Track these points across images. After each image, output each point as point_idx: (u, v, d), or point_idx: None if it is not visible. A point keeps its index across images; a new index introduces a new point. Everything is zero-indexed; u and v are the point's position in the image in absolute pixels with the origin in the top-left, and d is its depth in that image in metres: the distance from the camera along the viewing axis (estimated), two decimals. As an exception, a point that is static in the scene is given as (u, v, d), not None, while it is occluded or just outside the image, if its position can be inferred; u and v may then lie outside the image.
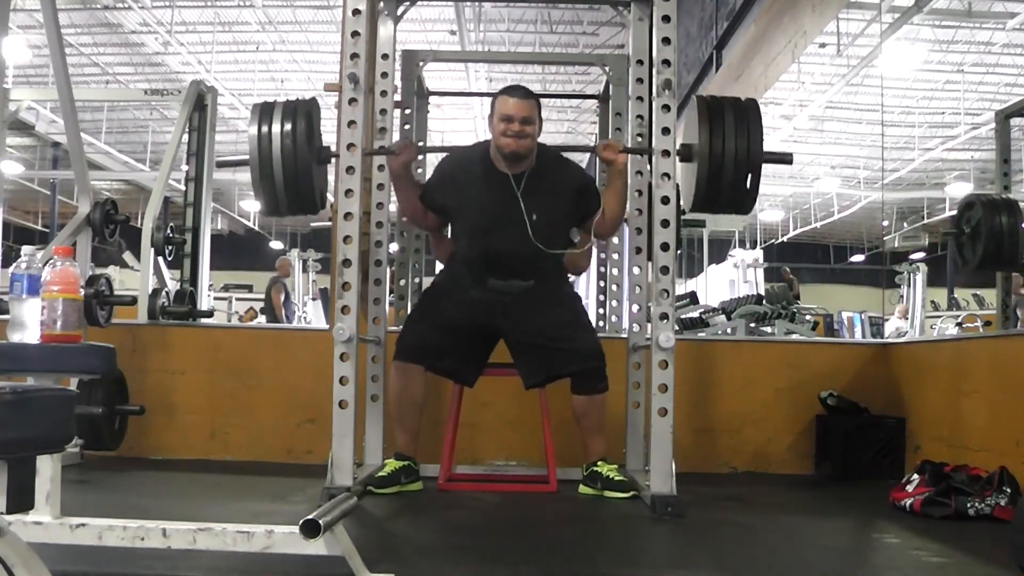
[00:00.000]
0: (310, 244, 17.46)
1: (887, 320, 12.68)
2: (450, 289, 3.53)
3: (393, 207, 4.10)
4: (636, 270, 3.76)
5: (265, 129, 3.16)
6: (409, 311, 4.16)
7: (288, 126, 3.16)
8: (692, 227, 4.20)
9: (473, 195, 3.43)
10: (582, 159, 7.88)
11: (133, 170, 17.21)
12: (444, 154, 3.84)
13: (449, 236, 3.69)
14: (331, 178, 3.33)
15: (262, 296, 15.86)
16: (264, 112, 3.20)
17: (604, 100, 4.66)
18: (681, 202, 3.51)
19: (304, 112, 3.20)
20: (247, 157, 3.21)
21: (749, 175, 3.19)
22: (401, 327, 3.66)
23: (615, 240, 4.52)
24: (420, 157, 4.13)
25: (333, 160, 3.20)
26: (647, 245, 3.55)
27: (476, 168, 3.46)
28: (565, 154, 3.68)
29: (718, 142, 3.16)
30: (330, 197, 3.41)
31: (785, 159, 3.46)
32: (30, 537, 1.82)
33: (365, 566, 1.95)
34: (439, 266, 3.99)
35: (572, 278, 4.56)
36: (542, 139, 3.48)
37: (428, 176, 3.69)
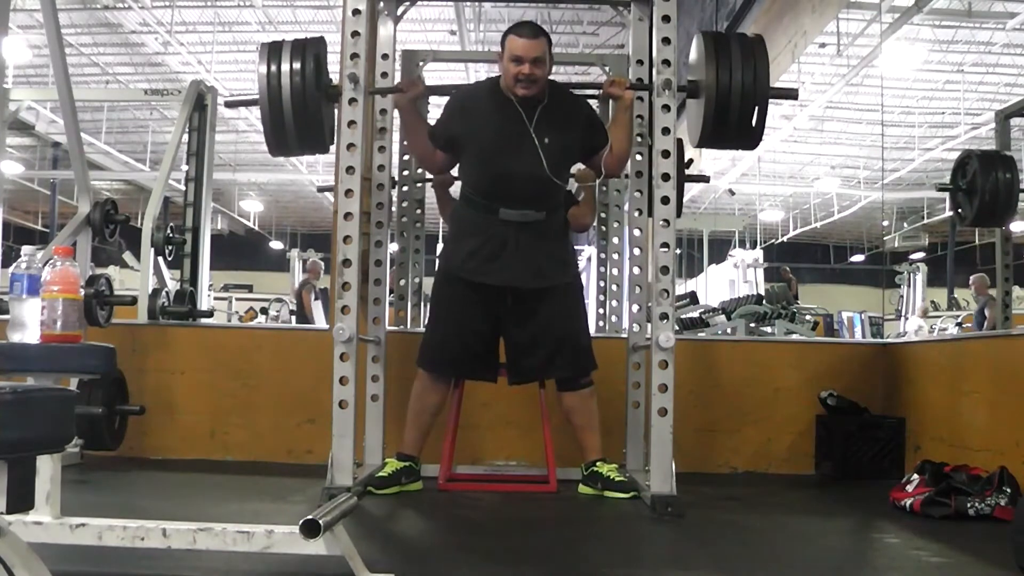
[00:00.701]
0: (310, 244, 17.49)
1: (908, 319, 12.68)
2: (458, 262, 3.41)
3: (393, 207, 4.10)
4: (636, 270, 3.77)
5: (274, 67, 3.16)
6: (409, 310, 4.16)
7: (297, 64, 3.16)
8: (695, 181, 4.21)
9: (484, 122, 3.38)
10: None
11: (133, 170, 17.21)
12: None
13: (456, 176, 3.63)
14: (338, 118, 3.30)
15: (262, 296, 15.89)
16: (273, 51, 3.20)
17: (604, 100, 4.65)
18: (686, 145, 3.49)
19: (312, 50, 3.20)
20: (256, 96, 3.21)
21: (756, 109, 3.18)
22: (406, 329, 3.64)
23: (615, 240, 4.53)
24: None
25: (338, 101, 3.18)
26: (647, 207, 3.54)
27: (486, 97, 3.42)
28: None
29: (725, 76, 3.15)
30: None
31: (791, 94, 3.52)
32: (30, 537, 1.83)
33: (365, 566, 1.95)
34: (439, 265, 3.97)
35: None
36: None
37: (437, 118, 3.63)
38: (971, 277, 11.44)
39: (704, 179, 5.18)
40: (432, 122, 3.55)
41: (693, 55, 3.36)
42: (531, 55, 3.26)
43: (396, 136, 3.96)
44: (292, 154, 3.33)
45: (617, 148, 3.44)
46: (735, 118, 3.18)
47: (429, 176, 4.06)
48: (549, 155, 3.31)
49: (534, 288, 3.36)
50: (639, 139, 3.63)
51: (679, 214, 3.38)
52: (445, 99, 3.59)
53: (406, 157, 4.37)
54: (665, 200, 3.12)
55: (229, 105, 3.72)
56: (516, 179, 3.33)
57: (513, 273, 3.34)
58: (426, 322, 3.74)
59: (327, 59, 3.27)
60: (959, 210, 4.58)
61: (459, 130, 3.41)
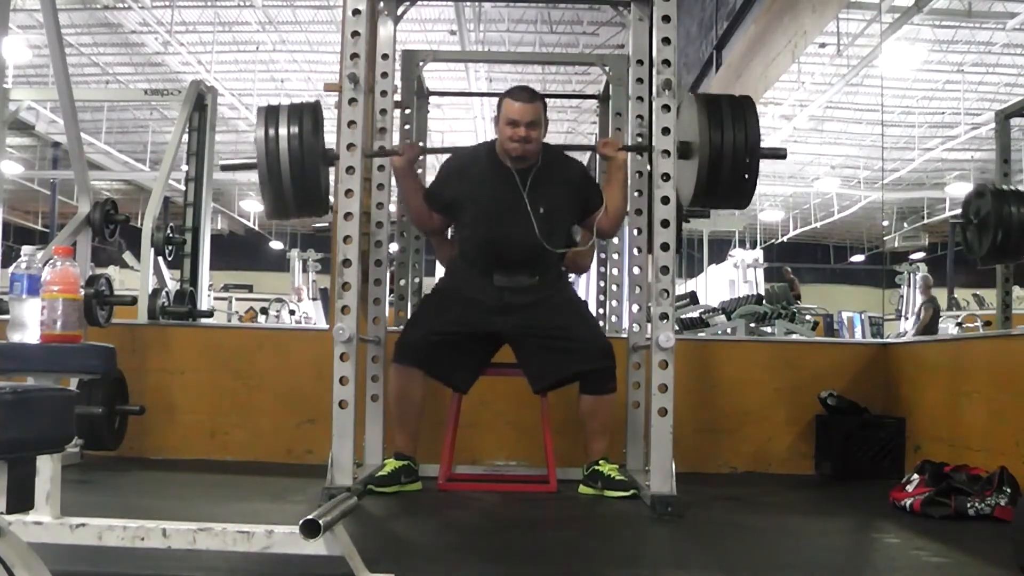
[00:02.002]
0: (310, 244, 17.49)
1: (908, 319, 12.66)
2: (453, 289, 3.52)
3: (393, 207, 4.10)
4: (636, 270, 3.77)
5: (272, 132, 3.19)
6: (410, 312, 4.16)
7: (294, 128, 3.19)
8: (696, 216, 4.20)
9: (479, 187, 3.44)
10: (582, 159, 7.87)
11: (133, 170, 17.21)
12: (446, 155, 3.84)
13: (451, 237, 3.68)
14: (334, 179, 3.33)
15: (262, 296, 15.89)
16: (270, 115, 3.23)
17: (604, 100, 4.66)
18: (680, 200, 3.50)
19: (309, 114, 3.23)
20: (253, 160, 3.24)
21: (747, 169, 3.21)
22: (402, 328, 3.66)
23: (615, 240, 4.52)
24: (421, 158, 4.12)
25: (335, 166, 3.21)
26: (647, 246, 3.55)
27: (482, 163, 3.48)
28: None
29: (716, 136, 3.19)
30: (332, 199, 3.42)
31: (779, 154, 3.56)
32: (30, 537, 1.83)
33: (365, 566, 1.95)
34: (439, 266, 3.98)
35: (572, 278, 4.56)
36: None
37: (430, 181, 3.68)
38: (917, 277, 11.47)
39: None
40: (428, 179, 3.61)
41: (685, 116, 3.39)
42: (526, 119, 3.34)
43: (396, 136, 3.96)
44: (290, 218, 3.37)
45: (612, 208, 3.50)
46: (727, 178, 3.23)
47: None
48: (543, 223, 3.37)
49: (533, 300, 3.39)
50: (637, 194, 3.65)
51: (678, 249, 3.42)
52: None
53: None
54: (665, 200, 3.12)
55: (226, 169, 3.74)
56: (509, 246, 3.40)
57: (507, 299, 3.41)
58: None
59: (323, 122, 3.29)
60: (968, 245, 4.39)
61: (455, 195, 3.48)
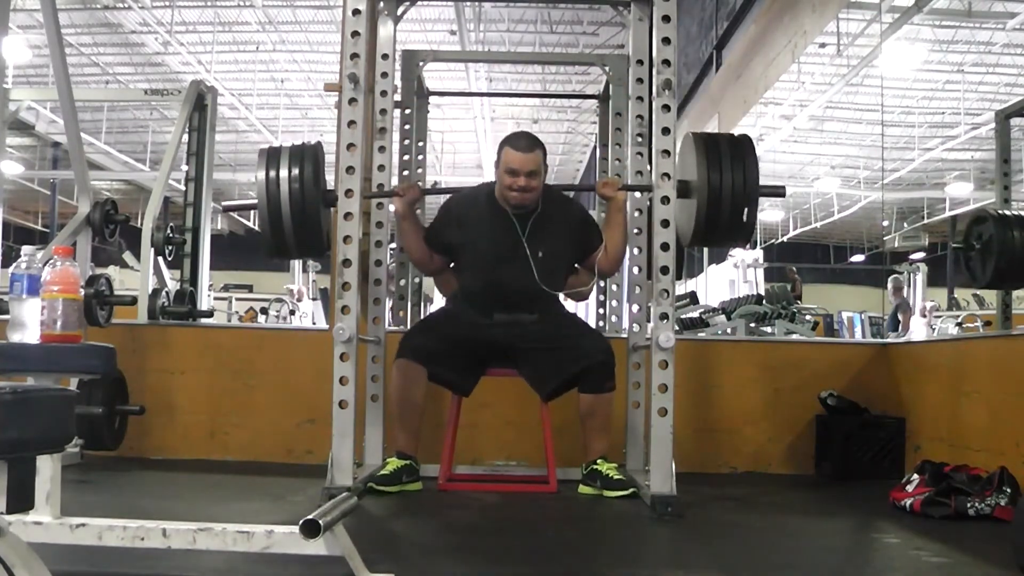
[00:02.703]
0: (310, 244, 17.45)
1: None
2: (456, 313, 3.58)
3: (392, 207, 4.09)
4: (636, 270, 3.76)
5: (273, 174, 3.22)
6: (410, 313, 4.17)
7: (296, 170, 3.22)
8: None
9: (479, 233, 3.49)
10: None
11: (133, 170, 17.22)
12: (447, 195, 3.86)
13: (453, 272, 3.70)
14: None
15: (262, 296, 15.88)
16: (271, 157, 3.26)
17: (604, 100, 4.66)
18: (680, 239, 3.50)
19: (310, 156, 3.26)
20: (254, 200, 3.28)
21: (746, 208, 3.25)
22: (406, 329, 3.67)
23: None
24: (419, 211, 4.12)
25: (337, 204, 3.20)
26: (647, 266, 3.56)
27: (482, 207, 3.53)
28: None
29: (715, 177, 3.22)
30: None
31: (778, 192, 3.63)
32: (30, 537, 1.83)
33: (365, 566, 1.95)
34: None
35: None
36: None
37: (430, 220, 3.71)
38: (891, 278, 11.46)
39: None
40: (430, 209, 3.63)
41: (683, 156, 3.41)
42: (526, 168, 3.37)
43: (396, 136, 3.96)
44: (290, 258, 3.41)
45: (612, 248, 3.52)
46: (726, 217, 3.25)
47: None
48: (541, 267, 3.42)
49: (531, 321, 3.43)
50: (636, 231, 3.65)
51: (679, 277, 3.43)
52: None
53: (406, 157, 4.37)
54: (665, 200, 3.13)
55: (227, 210, 3.77)
56: (510, 288, 3.45)
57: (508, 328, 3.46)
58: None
59: (324, 163, 3.31)
60: (971, 271, 4.35)
61: (454, 239, 3.53)
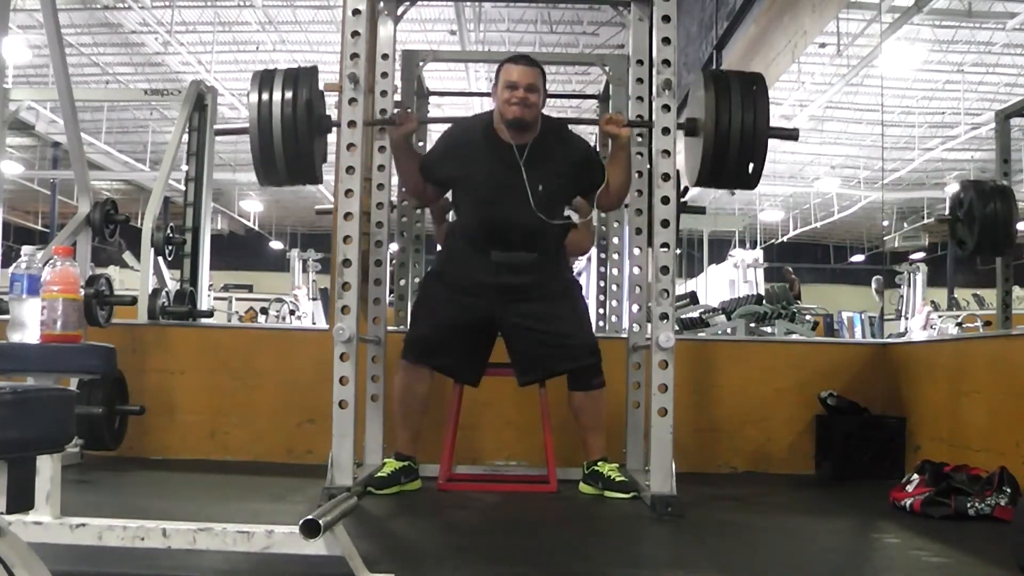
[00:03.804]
0: (310, 244, 17.49)
1: (909, 319, 12.68)
2: (449, 273, 3.48)
3: (394, 197, 4.10)
4: (636, 270, 3.76)
5: (265, 97, 3.13)
6: (411, 306, 4.16)
7: (288, 94, 3.13)
8: (692, 213, 4.22)
9: (475, 166, 3.39)
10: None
11: (133, 170, 17.22)
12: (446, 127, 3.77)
13: (450, 214, 3.67)
14: (331, 148, 3.31)
15: (262, 296, 15.87)
16: (264, 80, 3.17)
17: (604, 100, 4.66)
18: (684, 179, 3.47)
19: (305, 80, 3.17)
20: (246, 125, 3.18)
21: (755, 150, 3.16)
22: (407, 326, 3.65)
23: (615, 240, 4.53)
24: (421, 144, 4.11)
25: (333, 131, 3.17)
26: (647, 228, 3.52)
27: (479, 138, 3.42)
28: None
29: (724, 116, 3.12)
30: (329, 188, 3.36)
31: (792, 135, 3.46)
32: (30, 537, 1.83)
33: (365, 566, 1.95)
34: (427, 272, 3.98)
35: (573, 265, 4.56)
36: None
37: (428, 150, 3.66)
38: (873, 279, 11.49)
39: (700, 211, 5.19)
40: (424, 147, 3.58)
41: (692, 93, 3.34)
42: (525, 81, 3.29)
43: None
44: (281, 184, 3.29)
45: (614, 185, 3.44)
46: (734, 158, 3.16)
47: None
48: (540, 200, 3.32)
49: (530, 283, 3.37)
50: (638, 175, 3.63)
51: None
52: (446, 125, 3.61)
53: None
54: (665, 200, 3.12)
55: (219, 134, 3.70)
56: (508, 223, 3.35)
57: (501, 298, 3.37)
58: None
59: (319, 89, 3.24)
60: (960, 241, 4.53)
61: (451, 172, 3.44)
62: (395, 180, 3.90)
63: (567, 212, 3.64)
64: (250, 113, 3.16)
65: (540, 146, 3.37)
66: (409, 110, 3.85)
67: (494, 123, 3.39)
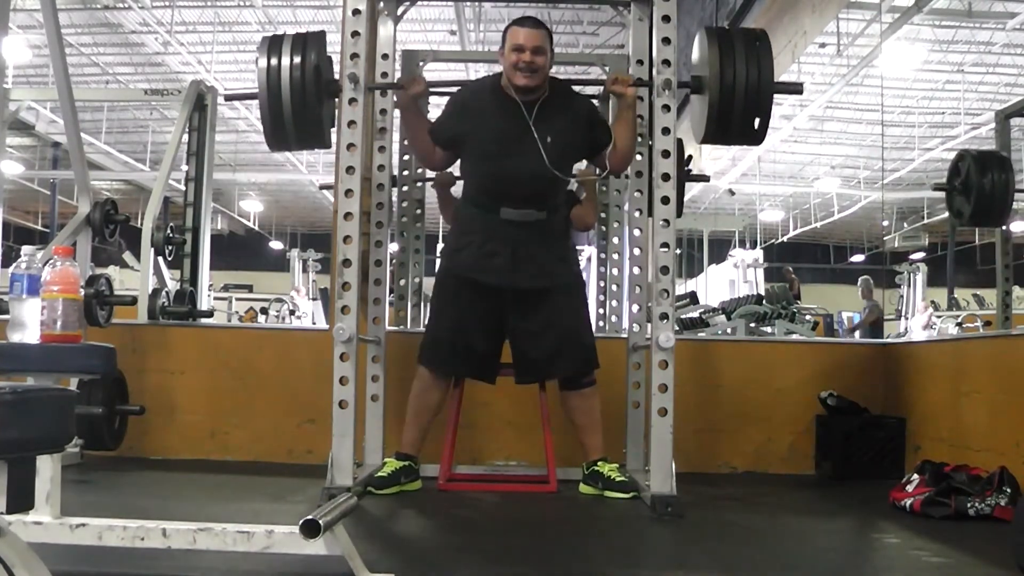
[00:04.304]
0: (310, 244, 17.50)
1: (910, 319, 12.69)
2: (461, 259, 3.42)
3: (393, 207, 4.10)
4: (636, 270, 3.76)
5: (274, 61, 3.15)
6: (411, 309, 4.16)
7: (297, 59, 3.14)
8: (695, 181, 4.28)
9: (485, 121, 3.38)
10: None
11: (133, 170, 17.22)
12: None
13: (456, 176, 3.65)
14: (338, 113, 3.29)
15: (262, 296, 15.89)
16: (273, 44, 3.18)
17: (604, 100, 4.65)
18: (688, 140, 3.49)
19: (313, 45, 3.18)
20: (255, 90, 3.20)
21: (760, 104, 3.18)
22: (406, 329, 3.65)
23: (615, 240, 4.53)
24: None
25: (339, 98, 3.18)
26: (647, 205, 3.52)
27: (487, 96, 3.42)
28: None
29: (729, 71, 3.14)
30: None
31: (796, 89, 3.52)
32: (30, 537, 1.83)
33: (365, 566, 1.95)
34: (439, 262, 3.97)
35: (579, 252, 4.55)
36: None
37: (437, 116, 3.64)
38: (859, 279, 11.50)
39: (704, 178, 5.20)
40: (433, 119, 3.56)
41: (696, 51, 3.35)
42: (532, 43, 3.28)
43: (396, 136, 3.96)
44: (291, 149, 3.32)
45: (621, 145, 3.43)
46: (739, 114, 3.18)
47: (430, 176, 4.05)
48: (551, 152, 3.30)
49: (535, 287, 3.37)
50: (639, 138, 3.62)
51: (679, 214, 3.40)
52: (446, 98, 3.60)
53: (406, 157, 4.37)
54: (665, 200, 3.12)
55: (228, 99, 3.71)
56: (518, 177, 3.33)
57: (513, 274, 3.35)
58: (426, 320, 3.74)
59: (327, 54, 3.25)
60: (957, 210, 4.59)
61: (460, 129, 3.41)
62: (395, 174, 3.90)
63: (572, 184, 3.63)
64: (259, 77, 3.17)
65: (548, 104, 3.37)
66: (417, 74, 3.81)
67: (501, 83, 3.40)
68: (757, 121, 3.21)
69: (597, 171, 3.60)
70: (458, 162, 3.57)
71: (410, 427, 3.46)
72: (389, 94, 3.78)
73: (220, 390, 4.21)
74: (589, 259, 9.92)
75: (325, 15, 12.00)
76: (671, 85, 3.16)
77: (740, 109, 3.17)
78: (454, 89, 3.67)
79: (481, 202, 3.41)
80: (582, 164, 3.72)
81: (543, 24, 3.36)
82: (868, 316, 11.24)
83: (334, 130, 3.29)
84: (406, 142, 3.84)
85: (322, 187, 5.12)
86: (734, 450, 4.17)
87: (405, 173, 4.37)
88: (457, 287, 3.44)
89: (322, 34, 3.26)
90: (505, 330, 3.46)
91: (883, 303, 12.73)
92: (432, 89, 3.67)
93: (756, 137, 3.27)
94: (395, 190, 4.24)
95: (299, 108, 3.14)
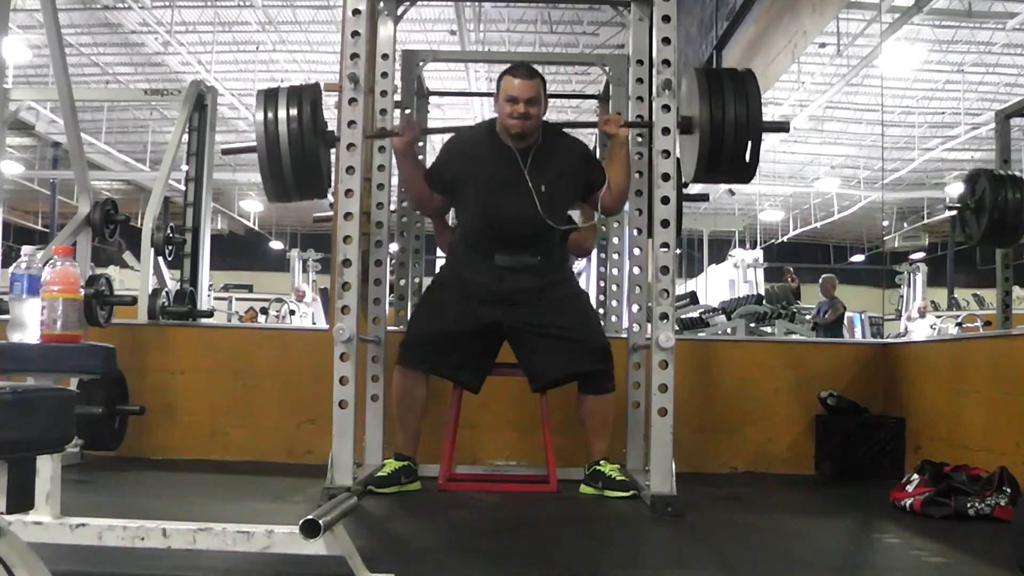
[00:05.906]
0: (310, 244, 17.50)
1: (910, 319, 12.68)
2: (454, 279, 3.49)
3: (393, 206, 4.10)
4: (636, 270, 3.76)
5: (271, 115, 3.19)
6: (412, 309, 4.15)
7: (293, 111, 3.19)
8: (695, 201, 4.30)
9: (480, 167, 3.42)
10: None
11: (133, 170, 17.23)
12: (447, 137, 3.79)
13: (452, 221, 3.67)
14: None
15: (262, 296, 15.90)
16: (269, 98, 3.22)
17: (604, 100, 4.65)
18: (682, 175, 3.50)
19: (308, 96, 3.22)
20: (253, 143, 3.24)
21: (749, 144, 3.21)
22: (406, 326, 3.66)
23: (615, 240, 4.53)
24: (421, 144, 4.11)
25: (337, 144, 3.20)
26: (647, 228, 3.53)
27: (483, 142, 3.46)
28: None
29: (718, 112, 3.18)
30: (331, 197, 3.42)
31: (783, 127, 3.57)
32: (30, 537, 1.82)
33: (365, 566, 1.95)
34: (439, 265, 3.98)
35: (575, 265, 4.55)
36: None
37: (429, 164, 3.67)
38: (821, 277, 11.47)
39: (703, 198, 5.20)
40: (429, 162, 3.59)
41: (686, 91, 3.39)
42: (526, 95, 3.31)
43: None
44: (291, 200, 3.36)
45: (615, 185, 3.47)
46: (729, 153, 3.22)
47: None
48: (544, 200, 3.35)
49: (535, 287, 3.37)
50: (638, 175, 3.63)
51: (679, 233, 3.41)
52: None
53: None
54: (665, 200, 3.12)
55: (226, 152, 3.75)
56: (511, 223, 3.37)
57: (507, 306, 3.38)
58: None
59: (322, 103, 3.29)
60: (965, 229, 4.49)
61: (456, 174, 3.46)
62: (395, 181, 3.91)
63: (570, 214, 3.65)
64: (257, 131, 3.22)
65: (542, 151, 3.41)
66: (408, 111, 3.86)
67: (496, 129, 3.44)
68: (748, 156, 3.24)
69: (596, 214, 3.58)
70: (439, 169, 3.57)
71: (400, 429, 3.45)
72: (389, 94, 3.78)
73: (220, 390, 4.21)
74: (589, 259, 9.91)
75: (325, 15, 12.02)
76: (671, 85, 3.16)
77: (730, 147, 3.21)
78: (450, 129, 3.69)
79: (475, 247, 3.45)
80: (576, 212, 3.75)
81: (537, 72, 3.39)
82: (831, 314, 11.15)
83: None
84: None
85: (317, 220, 5.10)
86: (734, 450, 4.17)
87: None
88: (445, 295, 3.49)
89: (316, 86, 3.30)
90: (507, 338, 3.46)
91: (883, 303, 12.74)
92: (428, 131, 3.70)
93: (747, 174, 3.32)
94: (395, 191, 4.23)
95: (298, 159, 3.19)
